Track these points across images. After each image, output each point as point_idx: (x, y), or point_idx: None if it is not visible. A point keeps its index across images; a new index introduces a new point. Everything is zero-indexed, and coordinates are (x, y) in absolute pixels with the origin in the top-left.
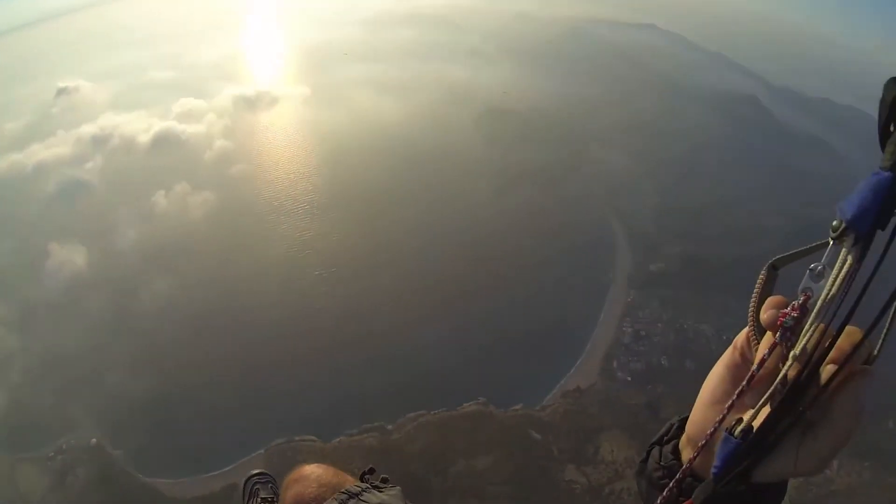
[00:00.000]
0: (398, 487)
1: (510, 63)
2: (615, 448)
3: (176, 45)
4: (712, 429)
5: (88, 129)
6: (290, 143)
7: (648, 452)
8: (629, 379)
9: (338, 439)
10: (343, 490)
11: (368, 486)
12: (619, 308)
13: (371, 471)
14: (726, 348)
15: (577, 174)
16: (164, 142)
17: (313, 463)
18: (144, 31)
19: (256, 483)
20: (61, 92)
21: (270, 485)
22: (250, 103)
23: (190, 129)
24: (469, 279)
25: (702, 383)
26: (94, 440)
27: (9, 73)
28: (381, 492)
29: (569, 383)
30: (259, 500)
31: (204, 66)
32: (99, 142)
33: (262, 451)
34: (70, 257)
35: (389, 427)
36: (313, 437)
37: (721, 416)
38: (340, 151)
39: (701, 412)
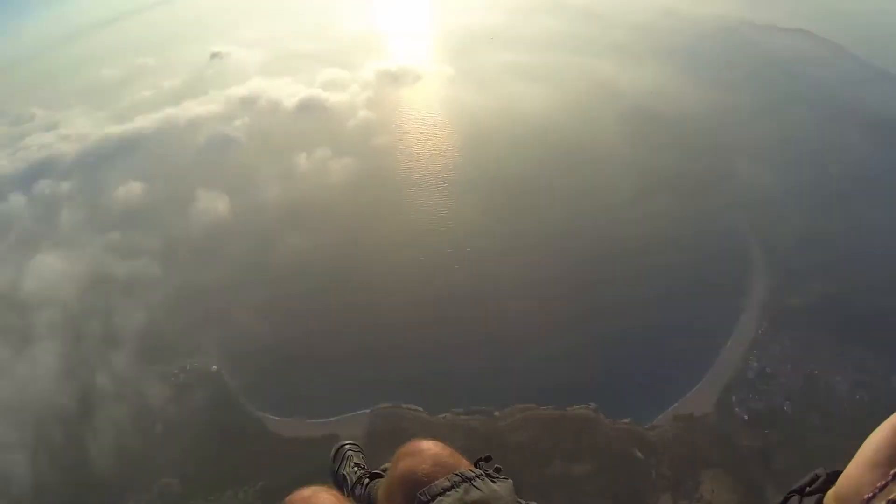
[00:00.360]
0: (510, 480)
1: (655, 61)
2: (716, 488)
3: (323, 17)
4: (871, 493)
5: (238, 91)
6: (431, 121)
7: (787, 499)
8: (746, 418)
9: (443, 415)
10: (457, 472)
11: (482, 473)
12: (747, 338)
13: (488, 458)
14: (859, 409)
15: (719, 187)
16: (308, 107)
17: (423, 436)
18: (294, 3)
19: (350, 450)
20: (214, 56)
21: (361, 454)
22: (394, 78)
23: (334, 97)
24: (596, 280)
25: (826, 442)
26: (214, 367)
27: (168, 37)
28: (493, 482)
29: (682, 407)
30: (353, 465)
31: (349, 40)
32: (247, 103)
33: (367, 410)
34: (214, 204)
35: (496, 413)
36: (419, 408)
37: (883, 483)
38: (481, 135)
39: (859, 471)
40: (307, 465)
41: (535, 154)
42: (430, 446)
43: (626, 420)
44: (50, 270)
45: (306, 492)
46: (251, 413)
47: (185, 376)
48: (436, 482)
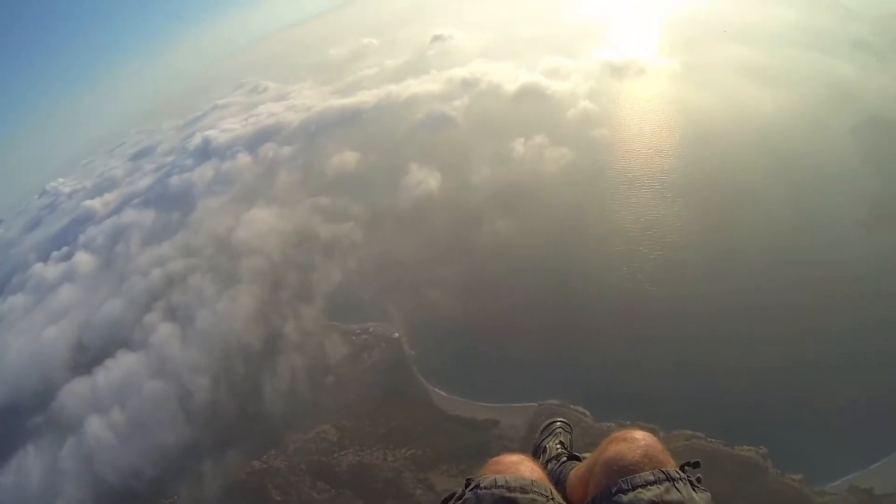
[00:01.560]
0: (709, 493)
1: None
2: None
3: (548, 2)
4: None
5: (459, 73)
6: (652, 118)
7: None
8: None
9: (608, 424)
10: (663, 469)
11: (686, 477)
12: None
13: (696, 465)
14: None
15: None
16: (529, 93)
17: (643, 431)
18: None
19: (560, 428)
20: (436, 38)
21: (570, 436)
22: (617, 70)
23: (555, 85)
24: (806, 314)
25: None
26: (396, 334)
27: (392, 19)
28: (695, 490)
29: (863, 480)
30: (557, 441)
31: (574, 27)
32: (467, 85)
33: (534, 403)
34: (425, 178)
35: (661, 434)
36: (586, 412)
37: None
38: (702, 137)
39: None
40: (461, 443)
41: (759, 165)
42: (643, 437)
43: (796, 476)
44: (262, 223)
45: (513, 458)
46: (420, 383)
47: (367, 338)
48: (640, 473)
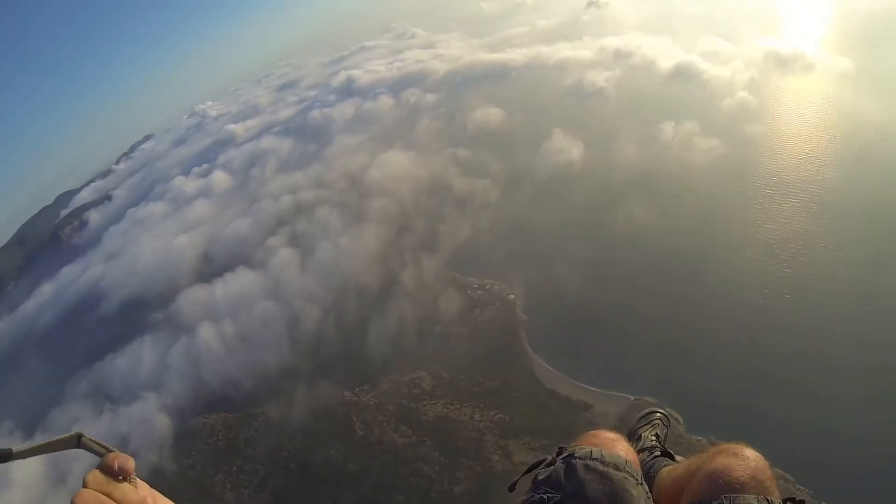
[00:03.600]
0: None
1: None
2: None
3: None
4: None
5: (613, 42)
6: (812, 120)
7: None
8: None
9: (699, 438)
10: (768, 498)
11: None
12: None
13: (800, 502)
14: None
15: None
16: (684, 74)
17: (755, 451)
18: None
19: (660, 419)
20: (591, 3)
21: (667, 430)
22: (782, 62)
23: (713, 69)
24: None
25: None
26: (512, 296)
27: None
28: None
29: None
30: (654, 433)
31: (738, 9)
32: (621, 56)
33: (631, 397)
34: (568, 147)
35: None
36: (680, 419)
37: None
38: (869, 151)
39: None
40: (549, 419)
41: None
42: (755, 457)
43: None
44: (396, 166)
45: (611, 434)
46: (524, 349)
47: (482, 293)
48: (745, 495)
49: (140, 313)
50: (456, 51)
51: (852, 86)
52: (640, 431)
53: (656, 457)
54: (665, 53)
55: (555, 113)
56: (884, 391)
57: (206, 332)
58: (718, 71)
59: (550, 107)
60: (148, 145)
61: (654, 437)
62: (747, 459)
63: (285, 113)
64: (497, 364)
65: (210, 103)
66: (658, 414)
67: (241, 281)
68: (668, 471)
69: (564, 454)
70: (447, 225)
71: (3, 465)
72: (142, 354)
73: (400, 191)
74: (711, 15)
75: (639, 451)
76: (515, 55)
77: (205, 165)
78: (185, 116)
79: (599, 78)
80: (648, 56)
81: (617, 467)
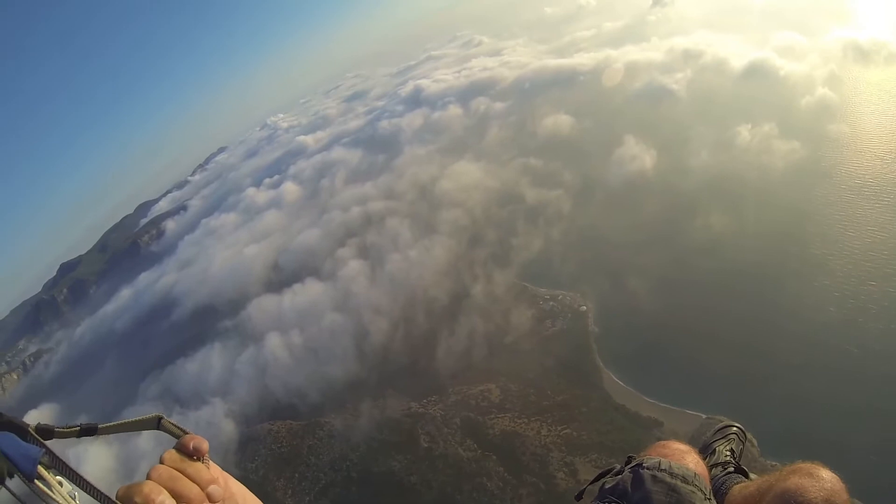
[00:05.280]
0: None
1: None
2: None
3: None
4: None
5: (681, 42)
6: None
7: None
8: None
9: (773, 462)
10: None
11: None
12: None
13: None
14: None
15: None
16: (758, 72)
17: (831, 471)
18: None
19: (736, 434)
20: (657, 3)
21: (742, 445)
22: (863, 54)
23: (789, 66)
24: None
25: None
26: (584, 308)
27: None
28: None
29: None
30: (729, 448)
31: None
32: (690, 56)
33: (702, 415)
34: (640, 154)
35: None
36: (754, 441)
37: None
38: None
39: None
40: (618, 435)
41: None
42: (831, 479)
43: None
44: (467, 177)
45: (681, 446)
46: (595, 362)
47: (554, 305)
48: None
49: (210, 320)
50: (522, 57)
51: None
52: (714, 445)
53: (729, 472)
54: (736, 51)
55: (626, 118)
56: None
57: (274, 342)
58: (795, 67)
59: (621, 112)
60: (222, 157)
61: (728, 452)
62: (822, 480)
63: (354, 123)
64: (567, 377)
65: (281, 115)
66: (734, 428)
67: (309, 292)
68: (741, 488)
69: (633, 464)
70: (519, 236)
71: (89, 438)
72: (211, 360)
73: (471, 202)
74: (782, 7)
75: (711, 466)
76: (583, 59)
77: (276, 176)
78: (258, 128)
79: (670, 80)
80: (719, 55)
81: (685, 480)
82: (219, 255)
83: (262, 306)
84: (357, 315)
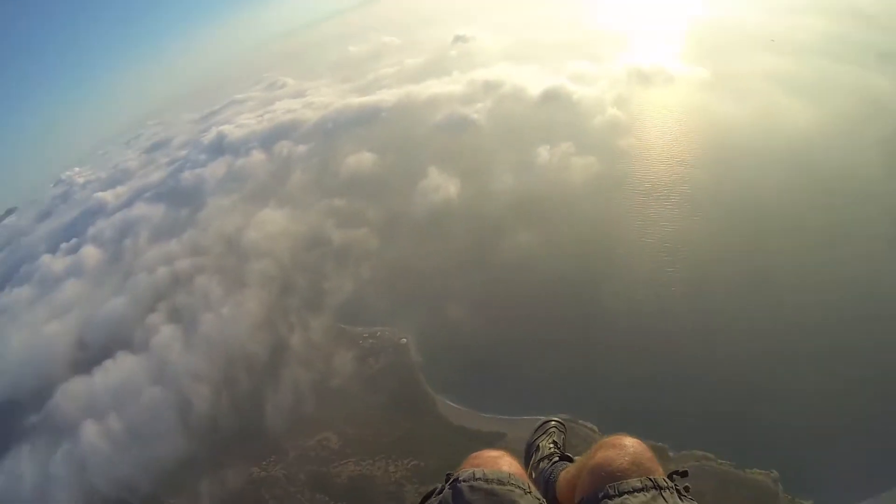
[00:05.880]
0: (696, 502)
1: None
2: None
3: (573, 6)
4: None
5: (481, 74)
6: (678, 127)
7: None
8: None
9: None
10: (651, 477)
11: (674, 486)
12: None
13: (684, 473)
14: None
15: None
16: (554, 98)
17: (632, 438)
18: None
19: (555, 427)
20: (458, 39)
21: (563, 436)
22: (644, 77)
23: (582, 90)
24: (828, 332)
25: None
26: (404, 340)
27: (414, 19)
28: (682, 500)
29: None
30: (551, 441)
31: (598, 32)
32: (490, 87)
33: (542, 417)
34: (444, 184)
35: (671, 454)
36: (595, 427)
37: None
38: (729, 149)
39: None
40: (464, 455)
41: (782, 178)
42: (633, 444)
43: (807, 502)
44: (273, 224)
45: (493, 453)
46: (426, 391)
47: (374, 342)
48: (628, 480)
49: (12, 419)
50: (326, 97)
51: (710, 91)
52: (537, 442)
53: (555, 462)
54: (534, 80)
55: (428, 150)
56: (772, 351)
57: (91, 431)
58: (587, 91)
59: (423, 145)
60: (10, 220)
61: (551, 445)
62: (626, 447)
63: (157, 176)
64: (401, 411)
65: (77, 169)
66: (552, 423)
67: (122, 367)
68: (565, 473)
69: (451, 480)
70: (330, 279)
71: None
72: (20, 469)
73: (278, 250)
74: (575, 40)
75: (540, 461)
76: (385, 96)
77: (73, 240)
78: (51, 185)
79: (471, 110)
80: (518, 84)
81: (500, 482)
82: (14, 339)
83: (72, 392)
84: (177, 385)
